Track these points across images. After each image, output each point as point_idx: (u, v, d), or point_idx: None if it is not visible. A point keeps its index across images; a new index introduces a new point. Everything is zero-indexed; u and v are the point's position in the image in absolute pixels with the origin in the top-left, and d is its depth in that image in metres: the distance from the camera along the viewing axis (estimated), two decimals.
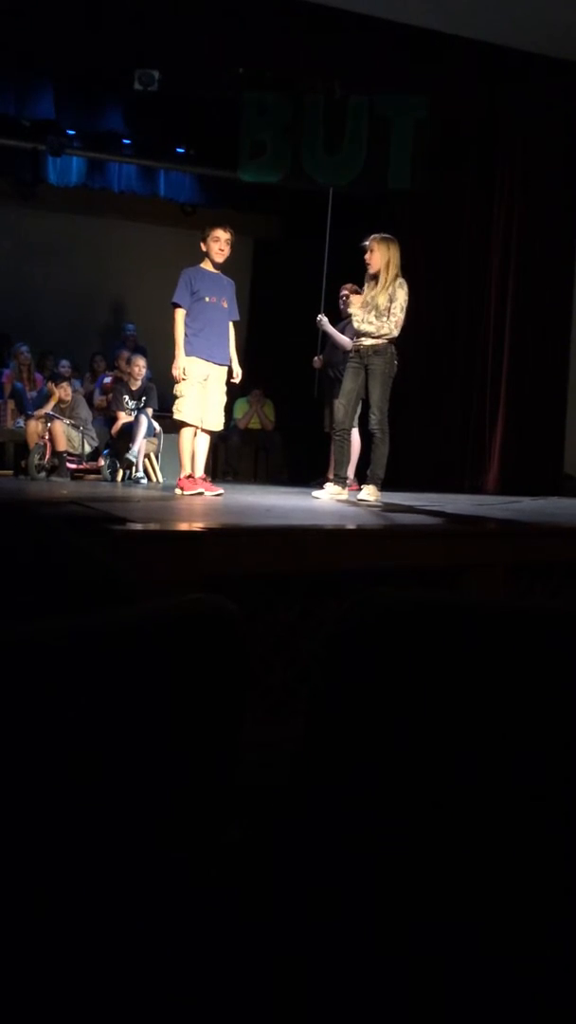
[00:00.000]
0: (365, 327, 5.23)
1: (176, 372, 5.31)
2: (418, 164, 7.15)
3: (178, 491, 5.44)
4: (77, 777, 0.76)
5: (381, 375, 5.23)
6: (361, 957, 0.86)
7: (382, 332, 5.20)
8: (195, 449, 5.46)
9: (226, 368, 5.45)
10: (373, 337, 5.23)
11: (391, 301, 5.18)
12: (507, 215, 7.68)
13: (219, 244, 5.40)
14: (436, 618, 0.85)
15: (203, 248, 5.44)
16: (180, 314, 5.31)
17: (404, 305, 5.22)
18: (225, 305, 5.42)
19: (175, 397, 5.40)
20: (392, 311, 5.18)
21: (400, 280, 5.24)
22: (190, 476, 5.44)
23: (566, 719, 0.82)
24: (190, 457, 5.44)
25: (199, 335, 5.31)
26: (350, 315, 5.65)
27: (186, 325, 5.31)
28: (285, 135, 7.20)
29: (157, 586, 2.66)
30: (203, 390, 5.36)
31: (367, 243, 5.31)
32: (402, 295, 5.21)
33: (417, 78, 7.05)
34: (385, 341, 5.23)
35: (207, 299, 5.33)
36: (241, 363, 5.64)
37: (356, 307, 5.39)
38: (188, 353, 5.30)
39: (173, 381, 5.40)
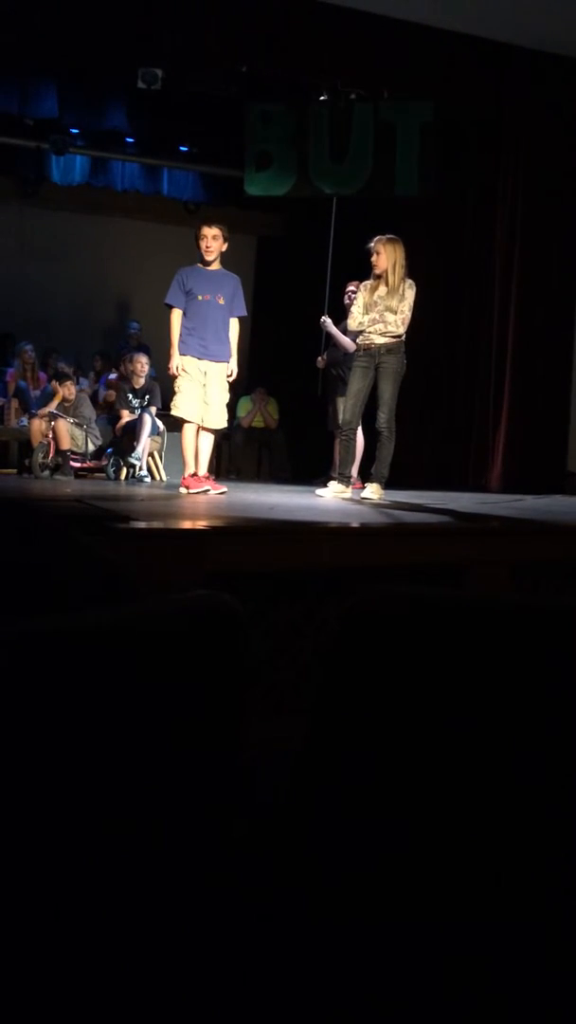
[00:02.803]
0: (379, 327, 5.25)
1: (172, 370, 5.36)
2: (425, 170, 7.14)
3: (183, 490, 5.42)
4: (79, 775, 0.77)
5: (393, 374, 5.29)
6: (361, 956, 0.86)
7: (398, 331, 5.24)
8: (198, 447, 5.46)
9: (226, 365, 5.45)
10: (386, 336, 5.26)
11: (402, 301, 5.23)
12: (511, 213, 7.66)
13: (205, 242, 5.42)
14: (438, 615, 0.85)
15: (197, 247, 5.47)
16: (176, 314, 5.36)
17: (412, 304, 5.27)
18: (222, 301, 5.41)
19: (174, 394, 5.43)
20: (401, 309, 5.23)
21: (410, 281, 5.28)
22: (194, 474, 5.44)
23: (567, 716, 0.82)
24: (193, 455, 5.44)
25: (192, 334, 5.34)
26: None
27: (182, 324, 5.35)
28: (290, 145, 7.19)
29: (160, 584, 2.67)
30: (202, 388, 5.36)
31: (372, 244, 5.33)
32: (411, 295, 5.28)
33: (421, 76, 7.03)
34: (398, 340, 5.27)
35: (200, 297, 5.36)
36: (244, 361, 5.64)
37: (358, 308, 5.39)
38: (181, 352, 5.35)
39: (171, 379, 5.44)
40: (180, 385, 5.37)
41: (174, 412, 5.45)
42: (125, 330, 9.83)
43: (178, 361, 5.34)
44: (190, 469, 5.45)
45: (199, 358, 5.36)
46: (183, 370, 5.33)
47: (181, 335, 5.34)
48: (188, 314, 5.36)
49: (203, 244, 5.41)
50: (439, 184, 7.28)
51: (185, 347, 5.35)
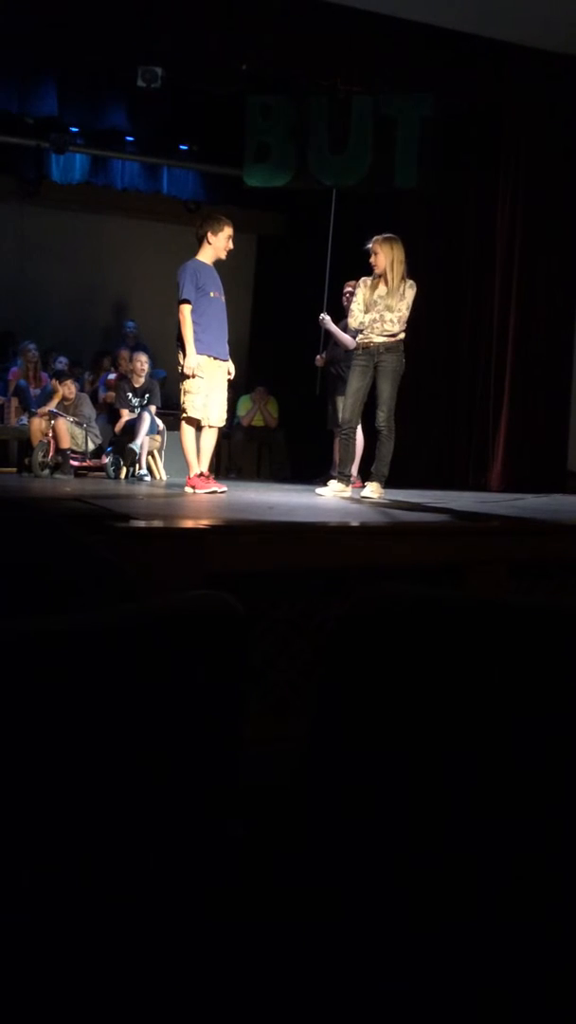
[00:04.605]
0: (378, 327, 5.25)
1: (188, 369, 5.18)
2: (424, 163, 7.14)
3: (189, 490, 5.31)
4: (79, 774, 0.77)
5: (392, 373, 5.28)
6: (361, 956, 0.86)
7: (394, 330, 5.24)
8: (202, 445, 5.37)
9: (226, 363, 5.40)
10: (386, 335, 5.26)
11: (401, 300, 5.23)
12: (511, 212, 7.66)
13: (231, 240, 5.36)
14: (438, 615, 0.85)
15: (208, 242, 5.31)
16: (189, 310, 5.17)
17: (411, 303, 5.27)
18: (223, 300, 5.36)
19: (185, 394, 5.26)
20: (399, 308, 5.23)
21: (410, 282, 5.28)
22: (201, 474, 5.34)
23: (566, 715, 0.82)
24: (196, 455, 5.38)
25: (208, 331, 5.21)
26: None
27: (194, 321, 5.18)
28: (290, 137, 7.19)
29: (160, 584, 2.67)
30: (211, 387, 5.31)
31: (370, 245, 5.33)
32: (411, 294, 5.28)
33: (422, 75, 7.03)
34: (396, 339, 5.28)
35: (211, 294, 5.24)
36: (244, 361, 5.61)
37: (358, 307, 5.39)
38: (200, 351, 5.18)
39: (182, 379, 5.26)
40: (198, 387, 5.20)
41: (192, 414, 5.25)
42: (122, 329, 9.82)
43: (196, 360, 5.16)
44: (195, 469, 5.34)
45: (216, 356, 5.24)
46: (202, 371, 5.18)
47: (196, 333, 5.16)
48: (199, 311, 5.18)
49: (229, 243, 5.34)
50: (439, 177, 7.28)
51: (203, 346, 5.18)
